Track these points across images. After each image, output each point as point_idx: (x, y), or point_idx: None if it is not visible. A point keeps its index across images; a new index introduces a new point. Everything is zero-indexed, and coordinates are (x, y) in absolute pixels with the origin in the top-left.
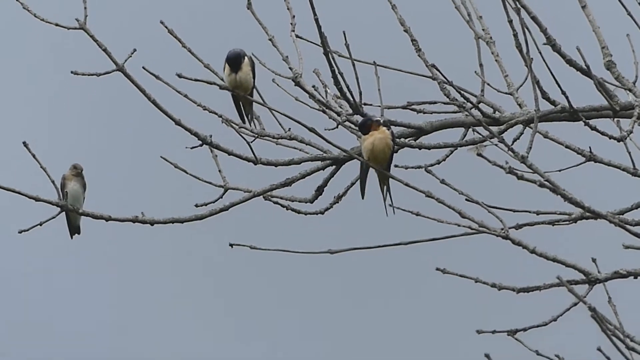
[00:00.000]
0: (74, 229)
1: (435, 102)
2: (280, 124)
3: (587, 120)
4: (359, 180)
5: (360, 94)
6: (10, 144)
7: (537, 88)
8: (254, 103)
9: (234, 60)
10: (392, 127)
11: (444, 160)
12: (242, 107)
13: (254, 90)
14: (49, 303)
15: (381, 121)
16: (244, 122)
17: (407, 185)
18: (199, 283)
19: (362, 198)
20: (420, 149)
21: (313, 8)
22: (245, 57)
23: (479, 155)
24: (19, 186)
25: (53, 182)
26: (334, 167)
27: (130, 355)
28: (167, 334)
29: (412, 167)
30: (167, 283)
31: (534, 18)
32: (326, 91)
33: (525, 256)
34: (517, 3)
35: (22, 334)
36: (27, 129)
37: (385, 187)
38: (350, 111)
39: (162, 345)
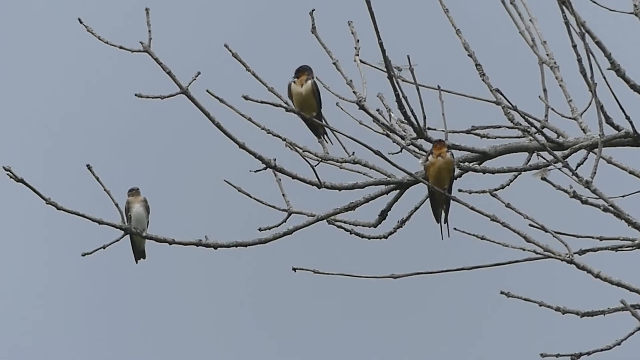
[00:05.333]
0: (139, 254)
1: (499, 127)
2: (344, 148)
3: None
4: (430, 207)
5: (425, 118)
6: (74, 167)
7: (601, 113)
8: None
9: (300, 69)
10: (454, 150)
11: (508, 184)
12: (313, 127)
13: (321, 115)
14: (112, 326)
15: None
16: (318, 138)
17: (472, 209)
18: (261, 307)
19: (437, 222)
20: (484, 173)
21: (377, 32)
22: (311, 76)
23: (544, 179)
24: (82, 209)
25: (117, 205)
26: (397, 191)
27: None
28: (229, 356)
29: (477, 192)
30: (229, 306)
31: (598, 43)
32: (390, 115)
33: (589, 281)
34: (582, 28)
35: (89, 355)
36: (90, 152)
37: (443, 210)
38: (414, 135)
39: None
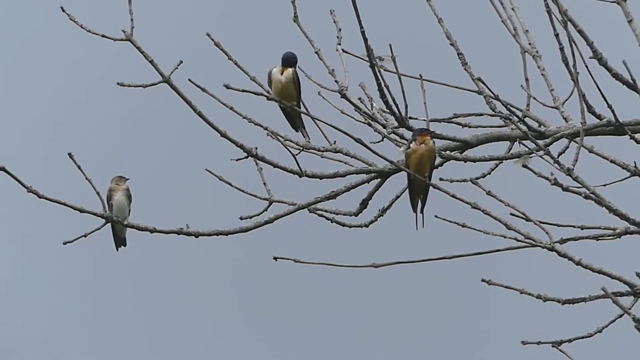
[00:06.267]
0: (120, 241)
1: (481, 114)
2: (325, 137)
3: (632, 134)
4: (408, 195)
5: (406, 107)
6: (55, 155)
7: (583, 102)
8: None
9: (287, 59)
10: (436, 139)
11: (490, 173)
12: (291, 119)
13: (301, 103)
14: (93, 314)
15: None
16: (296, 131)
17: (453, 196)
18: (242, 296)
19: (414, 212)
20: (465, 161)
21: (359, 21)
22: (293, 66)
23: (525, 166)
24: (64, 198)
25: (98, 193)
26: (379, 180)
27: None
28: (209, 344)
29: (458, 180)
30: (210, 294)
31: (580, 32)
32: (372, 105)
33: (570, 268)
34: (564, 16)
35: (70, 343)
36: (71, 141)
37: (420, 200)
38: (396, 124)
39: (205, 352)
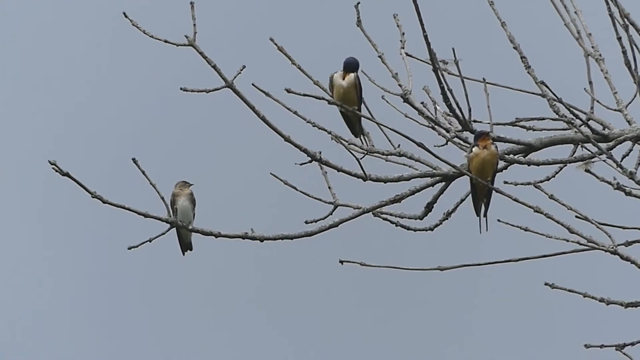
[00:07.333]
0: (186, 246)
1: (544, 119)
2: (389, 141)
3: None
4: (472, 199)
5: (470, 110)
6: (120, 161)
7: None
8: (362, 120)
9: (348, 65)
10: (499, 143)
11: (553, 176)
12: (351, 124)
13: (362, 106)
14: (160, 317)
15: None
16: (356, 137)
17: (515, 200)
18: (308, 299)
19: (477, 216)
20: (529, 165)
21: (422, 25)
22: (355, 73)
23: (587, 171)
24: (128, 203)
25: (162, 198)
26: (443, 183)
27: None
28: (276, 347)
29: (521, 183)
30: (276, 298)
31: None
32: (435, 108)
33: (633, 271)
34: (626, 20)
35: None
36: (135, 146)
37: (483, 204)
38: (460, 128)
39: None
